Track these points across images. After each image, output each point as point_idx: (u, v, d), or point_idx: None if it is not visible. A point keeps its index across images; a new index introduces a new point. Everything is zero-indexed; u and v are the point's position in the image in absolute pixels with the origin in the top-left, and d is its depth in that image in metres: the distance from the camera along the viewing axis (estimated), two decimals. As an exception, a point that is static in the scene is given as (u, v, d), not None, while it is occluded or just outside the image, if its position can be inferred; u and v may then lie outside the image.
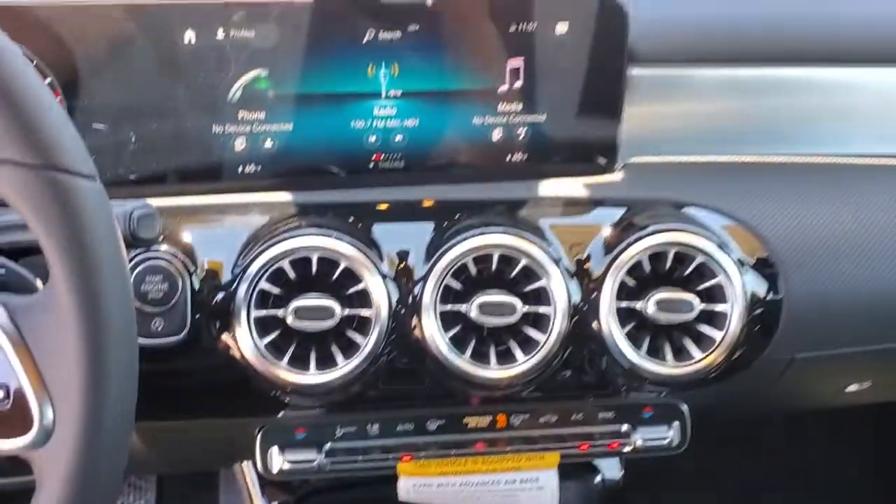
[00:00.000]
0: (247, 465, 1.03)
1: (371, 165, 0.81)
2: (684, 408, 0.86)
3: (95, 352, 0.46)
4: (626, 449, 0.85)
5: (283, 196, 0.80)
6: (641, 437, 0.85)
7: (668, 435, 0.86)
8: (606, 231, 0.79)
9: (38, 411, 0.47)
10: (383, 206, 0.80)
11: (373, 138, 0.81)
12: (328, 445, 0.82)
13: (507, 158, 0.83)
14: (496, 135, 0.82)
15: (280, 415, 0.82)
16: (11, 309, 0.48)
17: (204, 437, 0.87)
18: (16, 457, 0.49)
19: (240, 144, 0.79)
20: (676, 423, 0.86)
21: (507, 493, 0.88)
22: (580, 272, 0.77)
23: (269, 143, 0.79)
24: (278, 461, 0.81)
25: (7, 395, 0.47)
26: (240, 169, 0.80)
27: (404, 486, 0.87)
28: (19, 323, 0.47)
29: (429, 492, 0.87)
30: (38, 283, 0.57)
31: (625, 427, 0.85)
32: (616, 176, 0.85)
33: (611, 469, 1.05)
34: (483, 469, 0.87)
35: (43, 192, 0.45)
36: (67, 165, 0.46)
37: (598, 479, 1.04)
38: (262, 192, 0.81)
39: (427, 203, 0.81)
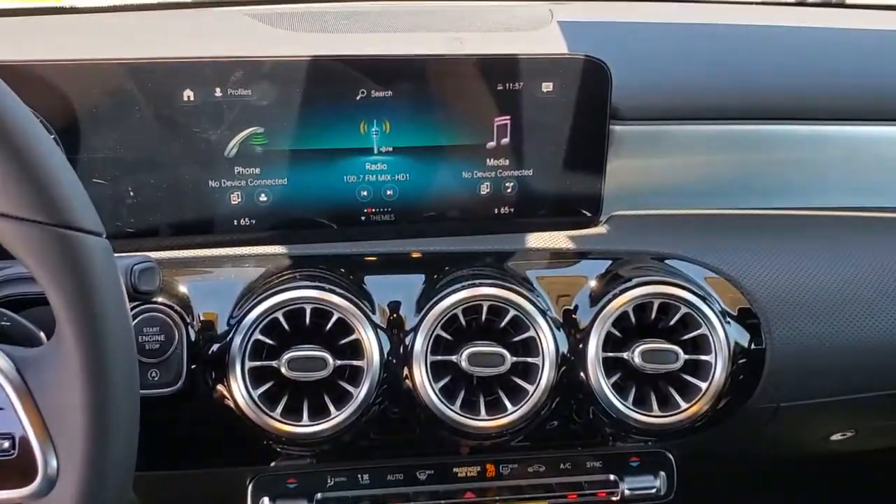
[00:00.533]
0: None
1: (363, 219, 0.84)
2: (671, 457, 0.87)
3: (100, 404, 0.47)
4: (614, 498, 0.86)
5: (277, 248, 0.82)
6: (629, 487, 0.86)
7: (655, 484, 0.87)
8: (592, 283, 0.81)
9: (42, 461, 0.48)
10: (375, 259, 0.82)
11: (364, 192, 0.83)
12: (319, 495, 0.82)
13: (495, 212, 0.86)
14: (484, 189, 0.85)
15: (272, 464, 0.82)
16: (18, 361, 0.49)
17: (195, 487, 0.87)
18: (18, 506, 0.50)
19: (235, 198, 0.81)
20: (663, 473, 0.87)
21: (497, 542, 0.89)
22: (567, 323, 0.79)
23: (263, 197, 0.82)
24: (268, 512, 0.82)
25: (13, 446, 0.48)
26: (235, 222, 0.82)
27: (394, 537, 0.87)
28: (25, 374, 0.49)
29: (419, 542, 0.87)
30: (42, 335, 0.58)
31: (612, 476, 0.86)
32: (600, 228, 0.87)
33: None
34: (470, 519, 0.87)
35: (52, 249, 0.47)
36: (76, 223, 0.48)
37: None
38: (256, 244, 0.83)
39: (417, 255, 0.83)
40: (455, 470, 0.85)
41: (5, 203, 0.47)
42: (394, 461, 0.84)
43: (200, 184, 0.80)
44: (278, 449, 0.79)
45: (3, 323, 0.58)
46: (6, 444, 0.48)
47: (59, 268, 0.47)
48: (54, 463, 0.48)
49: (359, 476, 0.83)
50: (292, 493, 0.82)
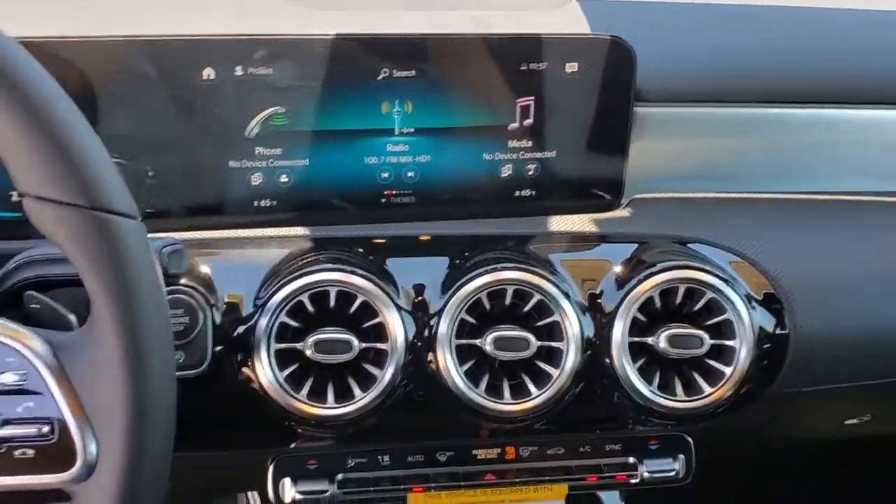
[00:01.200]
0: (252, 496, 1.03)
1: (383, 201, 0.83)
2: (689, 440, 0.87)
3: (138, 387, 0.46)
4: (633, 481, 0.86)
5: (300, 230, 0.82)
6: (648, 470, 0.86)
7: (674, 467, 0.87)
8: (617, 267, 0.80)
9: (81, 446, 0.48)
10: (397, 241, 0.81)
11: (385, 174, 0.82)
12: (340, 476, 0.82)
13: (516, 194, 0.85)
14: (505, 171, 0.84)
15: (292, 445, 0.82)
16: (54, 344, 0.49)
17: (215, 468, 0.87)
18: (55, 490, 0.49)
19: (256, 179, 0.80)
20: (682, 456, 0.87)
21: (515, 525, 0.89)
22: (592, 307, 0.78)
23: (284, 179, 0.81)
24: (290, 492, 0.81)
25: (52, 430, 0.48)
26: (255, 203, 0.81)
27: (413, 518, 0.87)
28: (62, 358, 0.48)
29: (437, 523, 0.88)
30: (72, 317, 0.57)
31: (632, 459, 0.86)
32: (622, 212, 0.87)
33: (611, 500, 1.05)
34: (492, 500, 0.87)
35: (89, 232, 0.46)
36: (114, 206, 0.48)
37: (599, 509, 1.05)
38: (276, 226, 0.82)
39: (440, 238, 0.82)
40: (475, 452, 0.84)
41: (42, 186, 0.46)
42: (414, 443, 0.83)
43: (221, 164, 0.79)
44: (299, 430, 0.79)
45: (32, 306, 0.57)
46: (45, 429, 0.48)
47: (97, 252, 0.46)
48: (94, 448, 0.48)
49: (379, 457, 0.83)
50: (313, 474, 0.82)
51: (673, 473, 0.87)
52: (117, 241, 0.47)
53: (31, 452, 0.48)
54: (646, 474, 0.86)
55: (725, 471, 0.93)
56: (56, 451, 0.48)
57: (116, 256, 0.47)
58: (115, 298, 0.46)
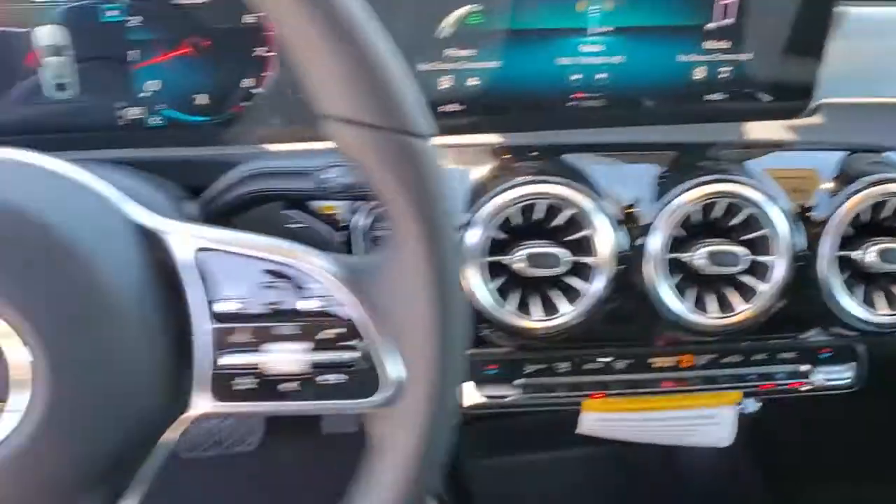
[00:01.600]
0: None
1: (572, 104, 0.80)
2: (861, 349, 0.87)
3: (446, 310, 0.46)
4: (805, 388, 0.87)
5: (488, 137, 0.79)
6: (823, 377, 0.86)
7: (846, 375, 0.87)
8: (822, 178, 0.78)
9: (388, 371, 0.47)
10: (596, 149, 0.79)
11: (576, 76, 0.78)
12: (520, 381, 0.83)
13: (706, 98, 0.81)
14: (698, 73, 0.80)
15: (470, 351, 0.82)
16: (352, 268, 0.48)
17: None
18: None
19: (445, 83, 0.77)
20: (854, 363, 0.87)
21: (684, 428, 0.90)
22: (801, 220, 0.76)
23: (473, 81, 0.78)
24: (473, 395, 0.83)
25: (359, 356, 0.48)
26: (442, 108, 0.78)
27: (586, 420, 0.89)
28: (364, 283, 0.47)
29: (609, 426, 0.89)
30: (335, 234, 0.56)
31: (805, 367, 0.86)
32: (815, 118, 0.83)
33: (750, 402, 1.06)
34: (666, 405, 0.88)
35: (401, 156, 0.45)
36: (419, 128, 0.46)
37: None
38: (462, 133, 0.79)
39: (641, 145, 0.79)
40: (650, 360, 0.85)
41: (352, 109, 0.44)
42: (591, 351, 0.84)
43: (409, 67, 0.75)
44: (481, 335, 0.79)
45: (292, 224, 0.56)
46: (352, 355, 0.48)
47: (409, 175, 0.45)
48: (401, 374, 0.47)
49: (556, 364, 0.84)
50: (493, 379, 0.83)
51: (847, 381, 0.87)
52: (426, 164, 0.45)
53: (337, 378, 0.48)
54: (819, 381, 0.86)
55: (889, 378, 0.92)
56: (362, 377, 0.48)
57: (426, 180, 0.45)
58: (427, 222, 0.45)
